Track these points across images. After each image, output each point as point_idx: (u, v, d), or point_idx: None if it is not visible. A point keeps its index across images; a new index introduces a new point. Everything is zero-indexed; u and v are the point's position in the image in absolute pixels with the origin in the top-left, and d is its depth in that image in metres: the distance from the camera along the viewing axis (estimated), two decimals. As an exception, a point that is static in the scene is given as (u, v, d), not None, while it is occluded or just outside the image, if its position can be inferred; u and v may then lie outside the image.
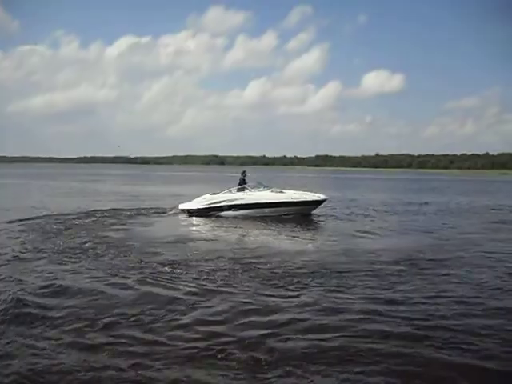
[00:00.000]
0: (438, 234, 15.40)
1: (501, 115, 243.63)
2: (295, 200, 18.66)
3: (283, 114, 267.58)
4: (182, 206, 19.41)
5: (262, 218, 17.87)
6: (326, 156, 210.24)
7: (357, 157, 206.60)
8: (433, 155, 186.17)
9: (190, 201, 19.56)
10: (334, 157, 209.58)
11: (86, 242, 12.26)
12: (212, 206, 18.67)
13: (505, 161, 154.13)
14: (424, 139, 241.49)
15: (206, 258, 10.60)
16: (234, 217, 18.21)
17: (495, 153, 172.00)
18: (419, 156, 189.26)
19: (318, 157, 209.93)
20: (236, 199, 18.60)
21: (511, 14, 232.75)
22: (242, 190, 18.93)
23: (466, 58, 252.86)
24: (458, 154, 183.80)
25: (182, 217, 18.80)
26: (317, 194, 19.48)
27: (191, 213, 18.79)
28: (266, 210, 18.42)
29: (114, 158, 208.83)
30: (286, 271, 9.40)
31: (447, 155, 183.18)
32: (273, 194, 18.84)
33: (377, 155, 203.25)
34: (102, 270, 9.29)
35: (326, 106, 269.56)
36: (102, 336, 5.99)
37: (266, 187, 19.31)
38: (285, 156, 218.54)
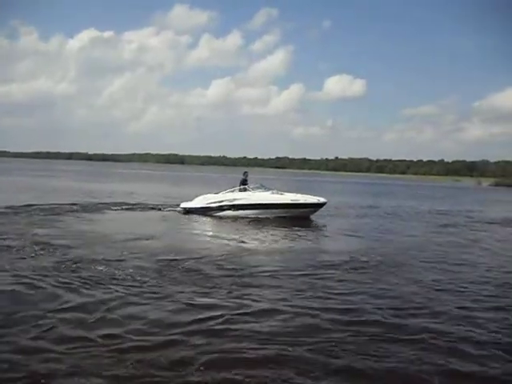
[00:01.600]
0: (380, 237, 15.54)
1: (457, 123, 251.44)
2: (295, 202, 18.73)
3: (246, 114, 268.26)
4: (183, 205, 19.77)
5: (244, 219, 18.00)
6: (287, 158, 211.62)
7: (317, 160, 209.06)
8: (390, 160, 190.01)
9: (189, 200, 19.98)
10: (295, 159, 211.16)
11: (7, 239, 11.47)
12: (212, 205, 18.91)
13: (458, 168, 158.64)
14: (383, 144, 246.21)
15: (137, 256, 10.10)
16: (233, 216, 18.36)
17: (450, 160, 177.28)
18: (378, 161, 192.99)
19: (278, 159, 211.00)
20: (236, 199, 18.75)
21: (470, 26, 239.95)
22: (243, 190, 19.10)
23: (425, 66, 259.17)
24: (415, 159, 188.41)
25: (128, 214, 18.42)
26: (316, 197, 19.37)
27: (191, 211, 19.14)
28: (266, 211, 18.50)
29: (71, 154, 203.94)
30: (202, 271, 9.11)
31: (404, 161, 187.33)
32: (273, 195, 18.99)
33: (337, 159, 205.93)
34: (18, 269, 8.57)
35: (289, 107, 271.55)
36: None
37: (267, 189, 19.42)
38: (245, 157, 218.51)
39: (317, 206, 19.19)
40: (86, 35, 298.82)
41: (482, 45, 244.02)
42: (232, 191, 19.27)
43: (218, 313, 6.66)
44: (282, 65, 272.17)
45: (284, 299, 7.51)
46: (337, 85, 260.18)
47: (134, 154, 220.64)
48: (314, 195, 19.86)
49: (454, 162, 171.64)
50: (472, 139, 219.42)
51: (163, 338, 5.75)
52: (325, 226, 17.82)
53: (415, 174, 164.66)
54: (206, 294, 7.57)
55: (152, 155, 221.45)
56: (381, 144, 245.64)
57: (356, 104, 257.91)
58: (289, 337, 5.93)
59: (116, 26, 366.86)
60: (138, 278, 8.27)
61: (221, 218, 18.44)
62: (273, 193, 19.13)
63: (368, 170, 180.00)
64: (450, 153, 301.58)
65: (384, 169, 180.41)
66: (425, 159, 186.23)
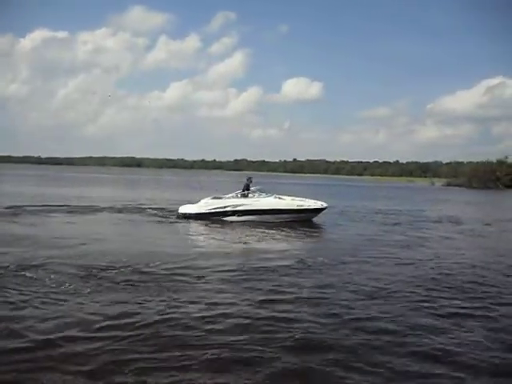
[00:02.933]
0: (330, 236, 15.86)
1: (411, 125, 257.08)
2: (300, 208, 18.91)
3: (204, 116, 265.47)
4: (182, 210, 19.21)
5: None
6: (246, 160, 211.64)
7: (276, 162, 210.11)
8: (347, 162, 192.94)
9: (189, 203, 19.54)
10: (254, 161, 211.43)
11: None
12: (216, 210, 18.68)
13: (412, 169, 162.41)
14: (340, 146, 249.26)
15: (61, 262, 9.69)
16: (237, 222, 18.22)
17: (404, 161, 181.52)
18: (335, 162, 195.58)
19: (237, 161, 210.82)
20: (241, 204, 18.65)
21: (422, 33, 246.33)
22: (246, 195, 19.03)
23: (378, 69, 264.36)
24: (371, 161, 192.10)
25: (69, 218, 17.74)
26: (319, 202, 19.50)
27: (195, 217, 18.64)
28: (270, 216, 18.49)
29: (23, 157, 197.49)
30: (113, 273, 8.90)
31: (361, 162, 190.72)
32: (277, 200, 19.03)
33: (295, 160, 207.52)
34: None
35: (247, 110, 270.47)
36: None
37: (269, 194, 19.47)
38: (204, 159, 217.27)
39: (319, 211, 19.38)
40: (38, 35, 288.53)
41: (433, 50, 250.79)
42: (235, 196, 19.11)
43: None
44: (241, 67, 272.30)
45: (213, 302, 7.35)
46: (294, 87, 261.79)
47: (89, 158, 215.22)
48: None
49: (408, 163, 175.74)
50: (425, 141, 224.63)
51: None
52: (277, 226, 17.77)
53: (372, 175, 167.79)
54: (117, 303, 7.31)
55: (109, 158, 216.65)
56: (338, 146, 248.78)
57: (313, 106, 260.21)
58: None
59: (70, 26, 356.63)
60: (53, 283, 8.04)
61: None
62: (275, 197, 19.18)
63: (325, 172, 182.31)
64: (404, 154, 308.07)
65: (341, 170, 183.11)
66: (380, 160, 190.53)
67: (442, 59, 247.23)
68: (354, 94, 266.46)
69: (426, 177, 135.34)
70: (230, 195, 19.26)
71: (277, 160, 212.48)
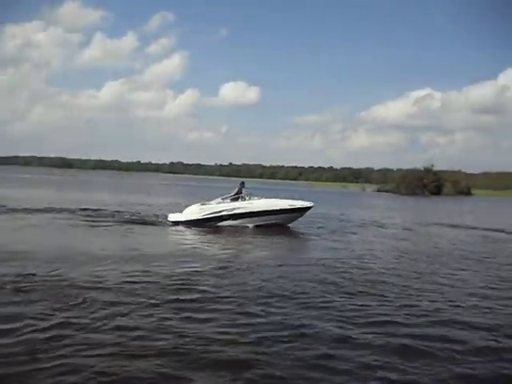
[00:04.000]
0: (249, 241, 15.64)
1: (344, 132, 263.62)
2: (292, 207, 19.38)
3: (140, 118, 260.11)
4: (173, 218, 18.81)
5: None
6: (182, 163, 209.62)
7: (212, 165, 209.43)
8: (283, 166, 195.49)
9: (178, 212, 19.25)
10: (190, 164, 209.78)
11: None
12: (213, 215, 18.52)
13: (346, 175, 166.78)
14: (276, 151, 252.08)
15: None
16: (233, 225, 18.30)
17: (338, 167, 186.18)
18: (270, 167, 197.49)
19: (173, 164, 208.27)
20: (236, 208, 18.62)
21: (355, 44, 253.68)
22: (237, 199, 18.93)
23: (313, 77, 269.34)
24: (306, 166, 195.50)
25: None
26: (306, 202, 19.91)
27: (192, 224, 18.24)
28: (265, 217, 18.74)
29: None
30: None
31: (296, 167, 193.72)
32: (271, 201, 19.40)
33: (231, 164, 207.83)
34: None
35: (184, 112, 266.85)
36: None
37: (259, 196, 19.51)
38: (139, 161, 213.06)
39: (307, 209, 19.80)
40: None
41: (366, 60, 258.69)
42: (225, 201, 18.98)
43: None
44: (178, 69, 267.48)
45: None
46: (232, 91, 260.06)
47: (15, 157, 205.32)
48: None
49: (342, 169, 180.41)
50: (358, 147, 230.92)
51: None
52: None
53: (306, 180, 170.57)
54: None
55: (37, 158, 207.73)
56: (273, 150, 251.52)
57: (250, 110, 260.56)
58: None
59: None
60: None
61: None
62: (266, 199, 19.45)
63: (261, 176, 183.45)
64: (338, 160, 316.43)
65: (276, 175, 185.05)
66: (315, 166, 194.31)
67: (375, 69, 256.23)
68: (291, 99, 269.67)
69: (358, 182, 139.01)
70: (219, 200, 19.09)
71: (213, 164, 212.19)
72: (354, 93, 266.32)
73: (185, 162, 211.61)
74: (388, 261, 12.81)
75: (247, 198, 19.02)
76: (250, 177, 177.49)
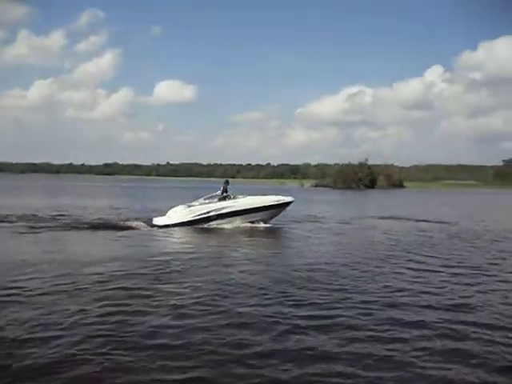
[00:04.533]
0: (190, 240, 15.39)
1: (281, 129, 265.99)
2: (277, 202, 19.48)
3: (71, 118, 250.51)
4: (162, 222, 18.13)
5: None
6: (117, 164, 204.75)
7: (149, 165, 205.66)
8: (221, 164, 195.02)
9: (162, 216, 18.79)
10: (126, 165, 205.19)
11: None
12: (201, 216, 18.21)
13: (283, 171, 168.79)
14: (213, 149, 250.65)
15: None
16: (221, 224, 18.25)
17: (276, 163, 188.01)
18: (208, 165, 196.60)
19: (107, 165, 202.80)
20: (224, 208, 18.46)
21: (291, 42, 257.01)
22: (224, 198, 18.81)
23: (249, 74, 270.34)
24: (244, 163, 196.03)
25: None
26: (288, 197, 19.98)
27: (178, 226, 17.76)
28: (253, 214, 18.82)
29: None
30: None
31: (234, 165, 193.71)
32: (256, 198, 19.39)
33: (168, 164, 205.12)
34: None
35: (118, 112, 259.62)
36: None
37: (244, 195, 19.50)
38: (71, 163, 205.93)
39: (289, 204, 20.04)
40: None
41: (300, 58, 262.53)
42: (211, 201, 18.81)
43: None
44: (111, 68, 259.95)
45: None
46: (167, 90, 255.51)
47: None
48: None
49: (279, 166, 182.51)
50: (295, 144, 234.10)
51: None
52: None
53: (244, 177, 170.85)
54: None
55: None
56: (211, 149, 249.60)
57: (187, 109, 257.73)
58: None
59: None
60: None
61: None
62: (253, 197, 19.47)
63: (199, 175, 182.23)
64: (276, 157, 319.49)
65: (214, 173, 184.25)
66: (253, 163, 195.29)
67: (311, 67, 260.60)
68: (228, 97, 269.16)
69: (296, 179, 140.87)
70: (205, 200, 18.89)
71: (150, 164, 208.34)
72: (291, 89, 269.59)
73: (120, 163, 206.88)
74: (322, 255, 12.86)
75: (232, 197, 18.94)
76: (187, 176, 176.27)
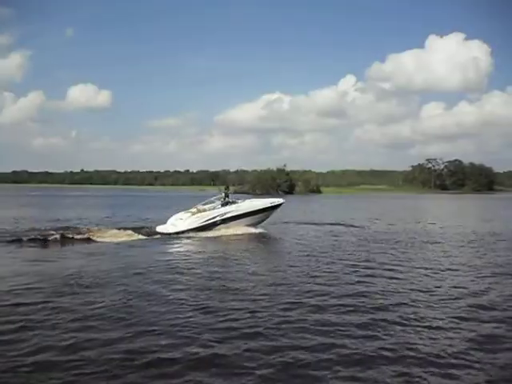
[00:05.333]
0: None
1: (199, 136, 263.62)
2: (273, 204, 20.92)
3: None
4: (168, 230, 18.60)
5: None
6: (26, 172, 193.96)
7: (61, 173, 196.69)
8: (138, 172, 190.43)
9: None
10: (36, 172, 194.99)
11: None
12: (208, 222, 18.82)
13: (203, 178, 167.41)
14: (130, 156, 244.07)
15: None
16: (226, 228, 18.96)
17: (195, 170, 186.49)
18: (125, 172, 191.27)
19: (15, 173, 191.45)
20: (227, 212, 19.30)
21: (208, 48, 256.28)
22: (227, 204, 19.75)
23: (167, 80, 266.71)
24: (162, 170, 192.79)
25: None
26: (280, 199, 21.84)
27: (188, 232, 18.35)
28: (254, 216, 20.08)
29: None
30: None
31: (152, 172, 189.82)
32: (254, 202, 21.06)
33: (82, 171, 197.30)
34: None
35: (27, 117, 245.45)
36: None
37: (243, 199, 20.93)
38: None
39: (280, 205, 21.34)
40: None
41: (219, 64, 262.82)
42: (215, 206, 19.64)
43: None
44: (19, 70, 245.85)
45: None
46: (81, 94, 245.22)
47: None
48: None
49: (198, 172, 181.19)
50: (214, 150, 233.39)
51: None
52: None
53: (163, 184, 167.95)
54: None
55: None
56: (128, 155, 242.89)
57: (102, 115, 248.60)
58: None
59: None
60: None
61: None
62: (252, 201, 21.16)
63: (116, 183, 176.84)
64: (194, 163, 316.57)
65: (132, 180, 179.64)
66: (171, 170, 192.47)
67: (231, 74, 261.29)
68: (145, 103, 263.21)
69: (215, 185, 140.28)
70: (204, 206, 19.71)
71: (62, 171, 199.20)
72: (209, 96, 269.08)
73: (30, 171, 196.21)
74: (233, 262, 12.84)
75: (232, 202, 19.94)
76: (103, 183, 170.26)
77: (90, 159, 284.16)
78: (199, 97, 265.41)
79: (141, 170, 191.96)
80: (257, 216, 20.17)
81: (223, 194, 20.16)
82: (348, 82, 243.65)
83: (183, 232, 18.30)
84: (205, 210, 19.34)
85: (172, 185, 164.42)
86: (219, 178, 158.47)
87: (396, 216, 33.20)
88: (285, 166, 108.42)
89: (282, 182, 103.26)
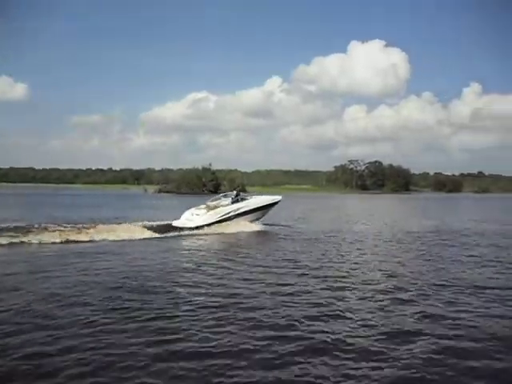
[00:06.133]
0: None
1: (123, 133, 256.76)
2: (274, 201, 23.86)
3: None
4: (184, 224, 20.39)
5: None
6: None
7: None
8: (58, 169, 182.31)
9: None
10: None
11: None
12: (224, 217, 21.09)
13: (126, 176, 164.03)
14: (49, 153, 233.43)
15: None
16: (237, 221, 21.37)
17: (118, 168, 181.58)
18: (43, 170, 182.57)
19: None
20: (240, 208, 21.83)
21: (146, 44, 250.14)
22: (237, 201, 22.12)
23: (89, 75, 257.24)
24: (84, 168, 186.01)
25: None
26: (278, 196, 24.58)
27: (208, 226, 20.38)
28: (261, 211, 23.09)
29: None
30: None
31: (73, 169, 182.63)
32: (259, 198, 23.61)
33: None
34: None
35: None
36: None
37: (250, 196, 23.99)
38: None
39: (278, 203, 24.27)
40: None
41: (146, 62, 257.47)
42: (229, 203, 21.73)
43: None
44: None
45: None
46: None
47: None
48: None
49: (122, 171, 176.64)
50: (138, 148, 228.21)
51: None
52: None
53: (84, 182, 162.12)
54: None
55: None
56: (47, 152, 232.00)
57: (17, 109, 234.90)
58: None
59: None
60: None
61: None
62: (255, 197, 23.68)
63: (33, 180, 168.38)
64: (118, 161, 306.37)
65: (50, 178, 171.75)
66: (93, 168, 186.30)
67: (158, 71, 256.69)
68: (66, 99, 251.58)
69: (139, 184, 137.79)
70: (214, 202, 22.01)
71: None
72: (135, 93, 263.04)
73: None
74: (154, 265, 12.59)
75: (241, 199, 22.48)
76: (20, 181, 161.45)
77: (5, 156, 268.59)
78: (126, 94, 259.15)
79: (60, 168, 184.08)
80: (261, 211, 22.91)
81: (235, 193, 23.03)
82: (274, 82, 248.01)
83: (205, 225, 20.32)
84: (215, 207, 21.43)
85: (94, 183, 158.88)
86: (144, 176, 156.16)
87: (320, 215, 34.26)
88: (210, 165, 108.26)
89: (207, 181, 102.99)
